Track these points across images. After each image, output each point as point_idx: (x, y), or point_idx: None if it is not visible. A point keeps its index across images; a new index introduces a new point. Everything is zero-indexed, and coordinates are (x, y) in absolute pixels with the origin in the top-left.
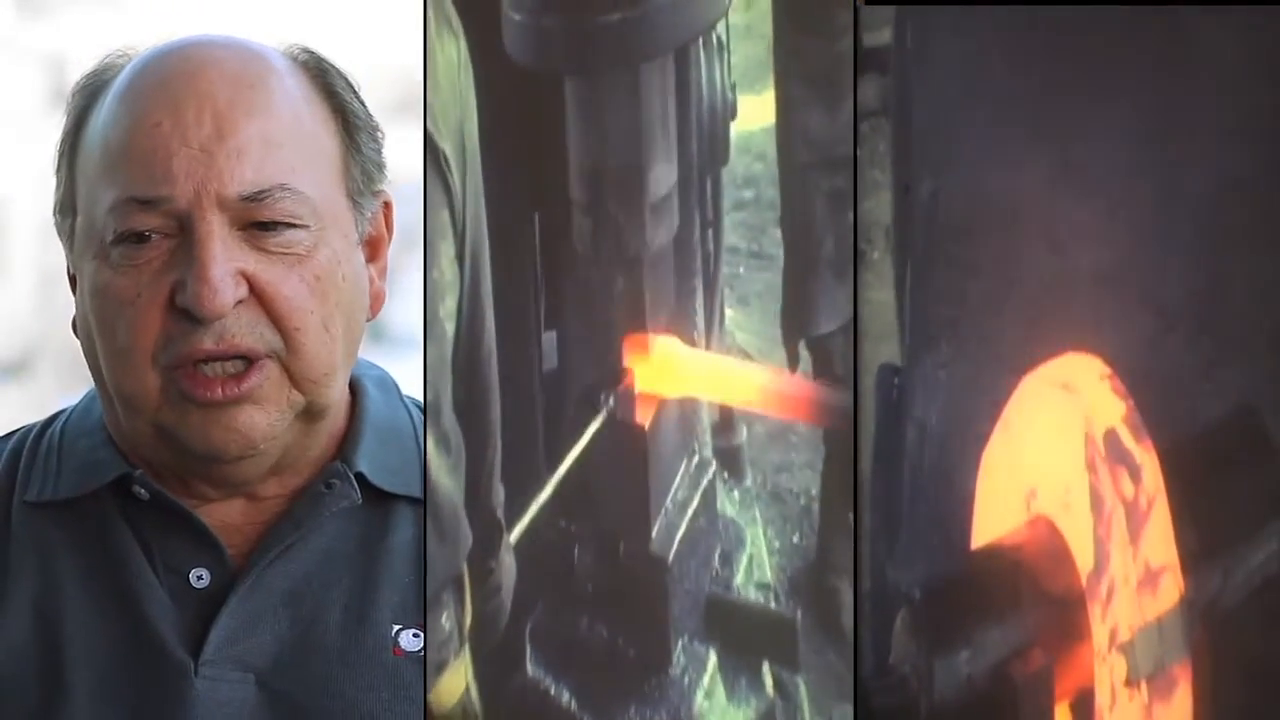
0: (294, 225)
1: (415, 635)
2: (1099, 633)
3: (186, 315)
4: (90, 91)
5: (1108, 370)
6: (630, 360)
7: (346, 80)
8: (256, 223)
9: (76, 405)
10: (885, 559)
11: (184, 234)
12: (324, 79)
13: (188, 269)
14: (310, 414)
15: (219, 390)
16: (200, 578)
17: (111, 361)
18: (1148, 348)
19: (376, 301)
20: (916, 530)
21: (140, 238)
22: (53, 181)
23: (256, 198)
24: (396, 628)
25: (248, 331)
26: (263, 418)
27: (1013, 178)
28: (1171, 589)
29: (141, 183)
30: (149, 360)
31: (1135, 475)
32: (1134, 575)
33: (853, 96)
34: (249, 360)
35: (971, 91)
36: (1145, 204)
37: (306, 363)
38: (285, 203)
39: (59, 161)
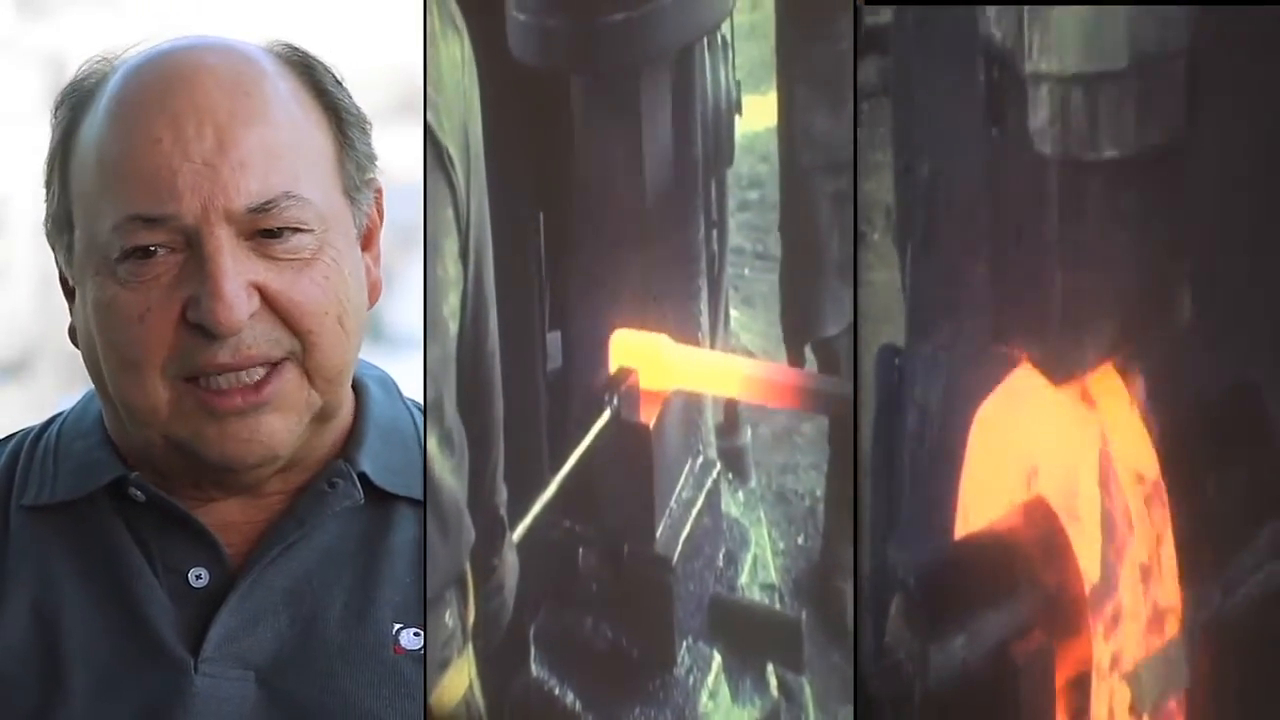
0: (299, 230)
1: (416, 634)
2: (1100, 650)
3: (200, 330)
4: (74, 103)
5: (1130, 394)
6: (634, 360)
7: (333, 75)
8: (262, 230)
9: (73, 407)
10: (886, 542)
11: (191, 248)
12: (311, 76)
13: (200, 285)
14: (322, 415)
15: (238, 399)
16: (199, 577)
17: (119, 375)
18: (1151, 329)
19: (374, 291)
20: (916, 513)
21: (146, 252)
22: (44, 194)
23: (263, 208)
24: (397, 626)
25: (263, 340)
26: (282, 424)
27: (1012, 160)
28: (1176, 626)
29: (146, 201)
30: (159, 373)
31: (1149, 503)
32: (1144, 613)
33: (853, 78)
34: (267, 365)
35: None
36: (1146, 196)
37: (323, 359)
38: (291, 210)
39: (49, 176)
